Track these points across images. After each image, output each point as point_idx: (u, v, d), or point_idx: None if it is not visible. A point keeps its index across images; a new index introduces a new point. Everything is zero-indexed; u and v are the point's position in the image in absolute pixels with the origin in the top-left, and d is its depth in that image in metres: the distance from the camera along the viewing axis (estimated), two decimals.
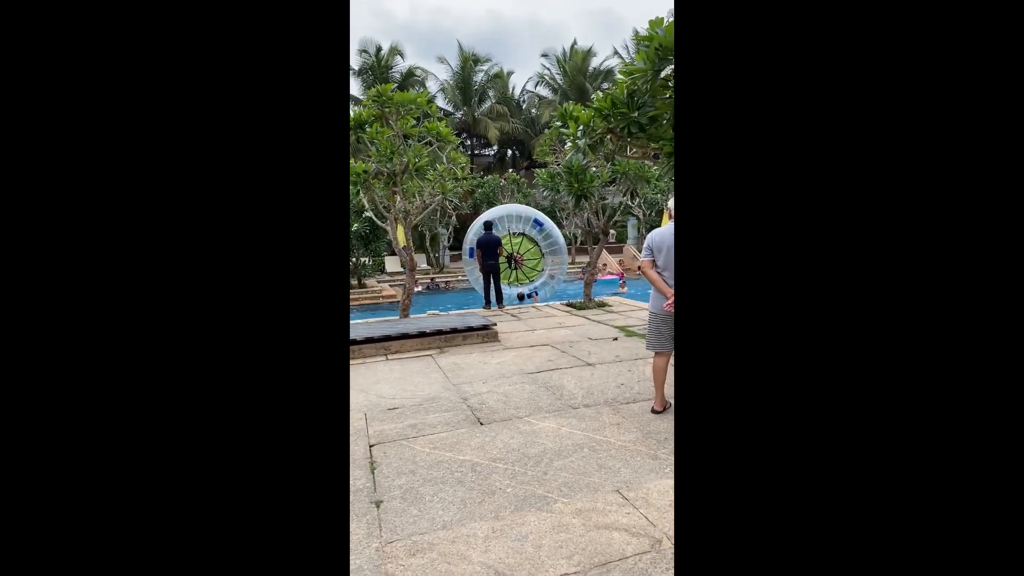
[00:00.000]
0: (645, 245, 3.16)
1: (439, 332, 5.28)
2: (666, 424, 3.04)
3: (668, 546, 1.89)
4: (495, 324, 5.68)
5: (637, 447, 2.74)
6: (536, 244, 10.14)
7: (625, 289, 12.65)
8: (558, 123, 5.43)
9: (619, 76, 4.35)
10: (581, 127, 4.69)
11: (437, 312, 7.69)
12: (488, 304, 8.16)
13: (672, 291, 3.00)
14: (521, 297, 10.07)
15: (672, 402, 3.33)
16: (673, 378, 3.66)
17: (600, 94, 4.52)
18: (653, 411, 3.22)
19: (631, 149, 5.61)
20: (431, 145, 6.58)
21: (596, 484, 2.36)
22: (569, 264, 16.59)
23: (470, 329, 5.41)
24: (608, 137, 4.98)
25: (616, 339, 5.41)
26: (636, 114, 4.23)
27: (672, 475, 2.43)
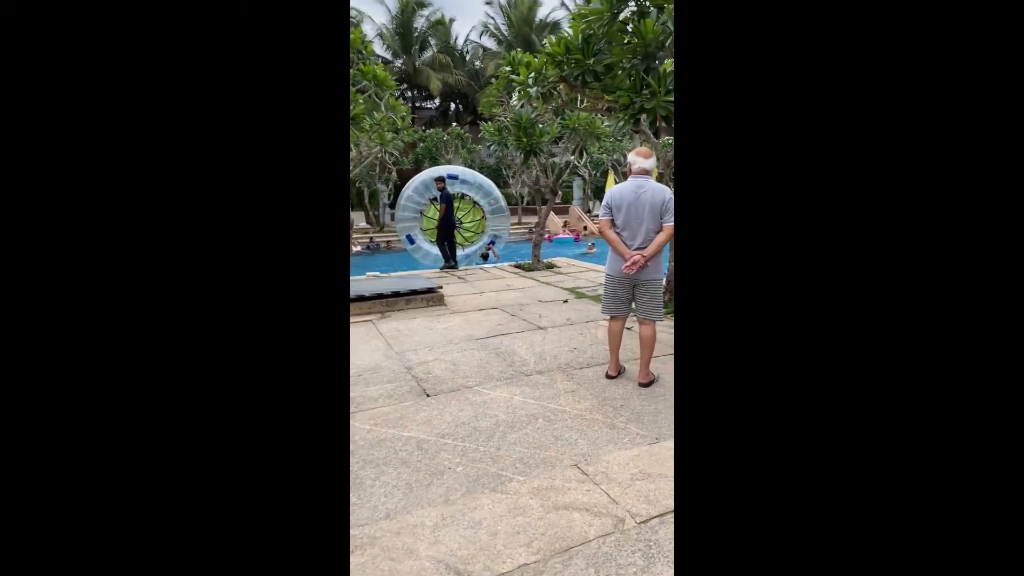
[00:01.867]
0: (604, 203, 2.94)
1: (380, 296, 4.92)
2: (621, 390, 2.94)
3: (632, 525, 1.77)
4: (441, 287, 5.39)
5: (593, 415, 2.62)
6: (478, 207, 9.76)
7: (594, 250, 12.57)
8: (507, 69, 5.03)
9: (571, 20, 4.02)
10: (532, 74, 4.34)
11: (378, 274, 7.26)
12: (454, 262, 7.85)
13: (631, 252, 2.84)
14: (485, 256, 9.78)
15: (626, 367, 3.24)
16: (628, 342, 3.57)
17: (553, 38, 4.18)
18: (608, 376, 3.11)
19: (583, 101, 5.32)
20: (365, 92, 5.98)
21: (553, 459, 2.22)
22: (515, 225, 16.36)
23: (414, 293, 5.09)
24: (561, 87, 4.67)
25: (566, 301, 5.28)
26: (591, 61, 3.94)
27: (630, 445, 2.32)
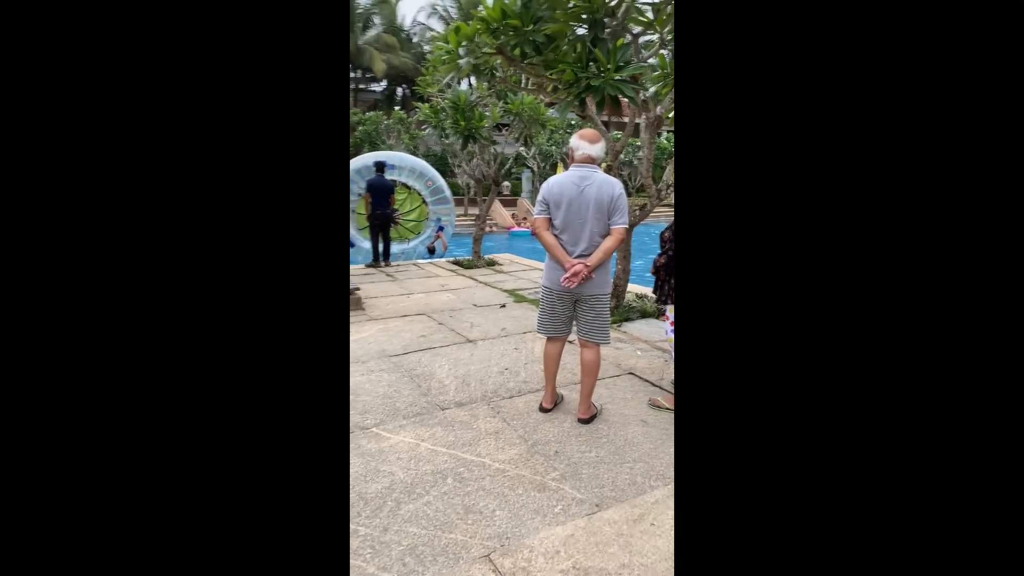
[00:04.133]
0: (539, 198, 2.35)
1: None
2: (556, 429, 2.39)
3: None
4: (359, 288, 4.66)
5: (519, 470, 2.05)
6: (416, 193, 8.96)
7: None
8: (440, 42, 4.35)
9: None
10: (463, 44, 3.69)
11: None
12: (376, 260, 7.01)
13: (572, 260, 2.27)
14: (431, 250, 8.92)
15: (563, 394, 2.70)
16: (568, 361, 3.03)
17: (489, 2, 3.55)
18: (541, 409, 2.56)
19: (527, 82, 4.72)
20: None
21: (458, 545, 1.62)
22: (460, 216, 15.64)
23: None
24: (498, 61, 4.05)
25: (504, 306, 4.70)
26: (531, 28, 3.34)
27: (563, 517, 1.77)
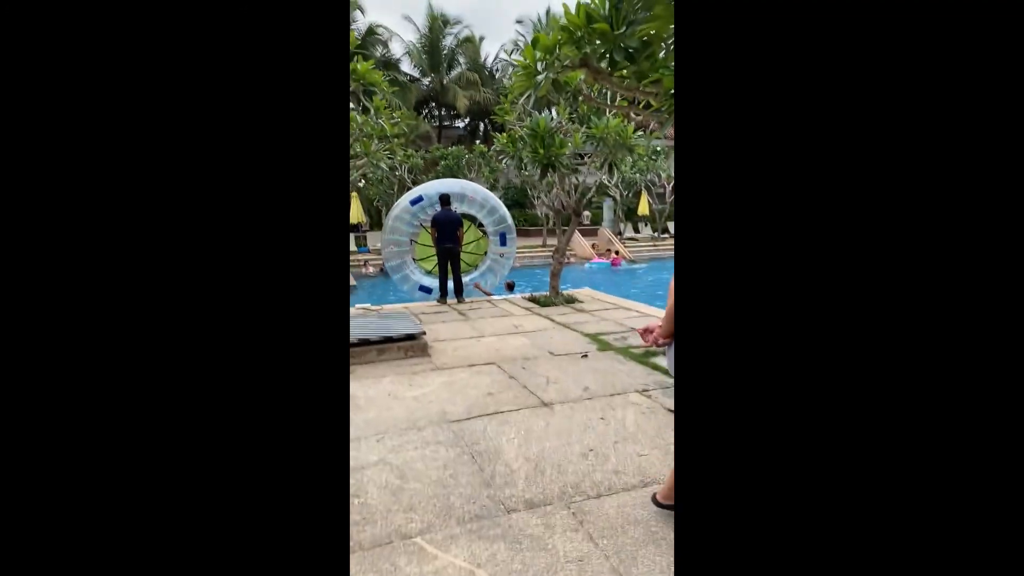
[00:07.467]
0: None
1: None
2: (663, 557, 1.69)
3: None
4: (424, 332, 4.24)
5: None
6: (475, 225, 8.31)
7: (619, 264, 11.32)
8: (519, 59, 3.92)
9: None
10: (540, 58, 3.22)
11: (369, 307, 6.20)
12: (444, 296, 6.71)
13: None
14: (510, 287, 8.37)
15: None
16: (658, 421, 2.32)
17: (572, 8, 3.07)
18: (656, 502, 1.88)
19: (613, 98, 4.16)
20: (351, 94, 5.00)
21: None
22: (540, 248, 15.24)
23: (388, 340, 3.97)
24: (582, 76, 3.54)
25: (586, 356, 4.05)
26: (624, 31, 2.80)
27: None
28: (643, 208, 17.32)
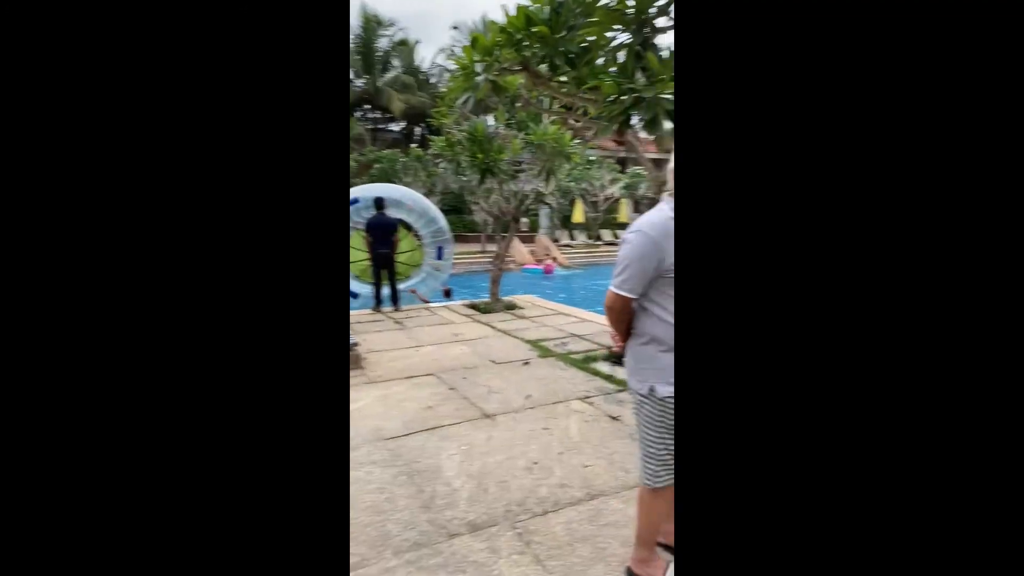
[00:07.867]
0: (628, 255, 1.45)
1: None
2: (615, 573, 1.62)
3: None
4: (357, 343, 4.00)
5: None
6: (411, 231, 8.01)
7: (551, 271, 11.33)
8: (458, 56, 3.80)
9: None
10: (479, 59, 3.13)
11: None
12: (378, 304, 6.40)
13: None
14: (448, 293, 8.02)
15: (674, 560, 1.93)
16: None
17: (511, 10, 3.00)
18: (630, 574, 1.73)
19: (551, 103, 4.14)
20: None
21: None
22: (479, 254, 15.12)
23: None
24: (521, 80, 3.49)
25: (527, 363, 3.98)
26: (564, 35, 2.77)
27: None
28: (578, 216, 17.70)
